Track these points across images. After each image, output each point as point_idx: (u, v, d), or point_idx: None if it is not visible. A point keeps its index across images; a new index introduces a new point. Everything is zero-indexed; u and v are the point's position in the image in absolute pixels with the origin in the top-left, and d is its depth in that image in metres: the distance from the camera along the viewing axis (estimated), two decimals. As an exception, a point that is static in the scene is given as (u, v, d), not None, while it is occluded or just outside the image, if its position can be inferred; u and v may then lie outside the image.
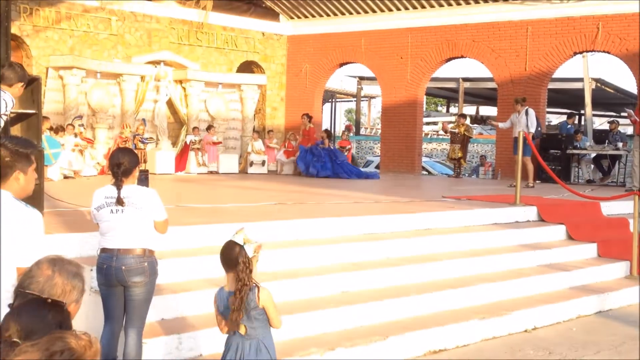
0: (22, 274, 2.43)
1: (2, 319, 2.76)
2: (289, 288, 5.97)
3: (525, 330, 6.70)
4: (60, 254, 2.53)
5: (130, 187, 4.42)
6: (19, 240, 2.92)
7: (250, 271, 3.59)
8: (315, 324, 5.65)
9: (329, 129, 17.48)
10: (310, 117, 17.25)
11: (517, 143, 10.10)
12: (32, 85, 6.51)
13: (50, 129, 13.50)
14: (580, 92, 23.16)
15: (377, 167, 20.55)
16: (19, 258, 2.90)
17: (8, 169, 3.03)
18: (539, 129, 13.43)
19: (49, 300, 2.10)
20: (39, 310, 2.04)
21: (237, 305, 3.56)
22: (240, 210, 8.17)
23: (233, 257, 3.59)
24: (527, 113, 12.99)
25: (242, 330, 3.68)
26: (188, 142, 16.55)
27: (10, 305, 2.40)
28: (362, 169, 19.07)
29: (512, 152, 13.23)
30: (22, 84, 5.50)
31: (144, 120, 16.14)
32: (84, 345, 1.82)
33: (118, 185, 4.38)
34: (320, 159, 16.12)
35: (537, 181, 14.70)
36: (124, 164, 4.40)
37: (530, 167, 13.22)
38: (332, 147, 16.66)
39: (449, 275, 7.20)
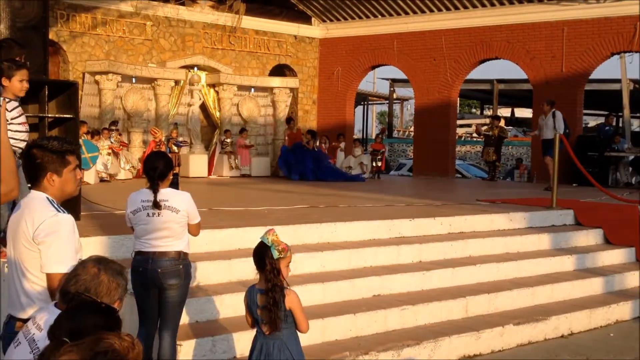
0: (67, 273, 2.47)
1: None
2: (321, 291, 5.97)
3: (562, 336, 6.59)
4: (102, 255, 2.58)
5: (166, 191, 4.46)
6: (44, 246, 2.86)
7: (278, 272, 3.65)
8: (348, 328, 5.64)
9: (314, 130, 17.19)
10: (292, 119, 17.28)
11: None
12: (69, 91, 6.62)
13: (87, 132, 13.73)
14: (618, 93, 22.73)
15: (410, 169, 20.45)
16: (45, 263, 2.86)
17: (40, 171, 2.97)
18: (567, 131, 13.14)
19: (103, 305, 2.13)
20: (92, 314, 2.07)
21: (270, 304, 3.65)
22: (272, 213, 8.19)
23: (261, 258, 3.71)
24: (554, 115, 12.81)
25: (266, 331, 3.73)
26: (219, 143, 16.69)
27: (56, 305, 2.44)
28: (394, 172, 18.89)
29: (545, 154, 13.06)
30: (20, 77, 5.24)
31: (176, 124, 16.31)
32: (127, 347, 1.83)
33: (154, 188, 4.42)
34: (301, 162, 15.75)
35: (574, 184, 14.48)
36: (159, 167, 4.44)
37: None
38: (316, 149, 16.30)
39: (484, 280, 7.12)
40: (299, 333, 3.84)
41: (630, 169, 15.85)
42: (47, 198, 2.96)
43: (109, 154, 14.08)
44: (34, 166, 2.97)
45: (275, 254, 3.65)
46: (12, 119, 5.07)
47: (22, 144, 5.06)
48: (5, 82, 5.26)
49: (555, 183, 9.67)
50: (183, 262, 4.49)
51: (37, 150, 2.95)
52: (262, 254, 3.71)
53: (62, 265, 2.81)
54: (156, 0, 16.60)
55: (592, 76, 16.64)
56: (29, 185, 3.07)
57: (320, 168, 15.76)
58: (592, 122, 33.61)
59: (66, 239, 2.88)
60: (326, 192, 11.92)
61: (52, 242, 2.85)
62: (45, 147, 2.95)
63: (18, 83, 5.26)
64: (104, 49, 15.88)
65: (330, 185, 14.14)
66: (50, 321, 2.26)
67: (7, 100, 5.20)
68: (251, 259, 3.81)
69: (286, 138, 16.90)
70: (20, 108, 5.40)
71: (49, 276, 2.86)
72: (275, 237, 3.69)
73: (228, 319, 5.33)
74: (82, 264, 2.46)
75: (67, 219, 2.93)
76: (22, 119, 5.39)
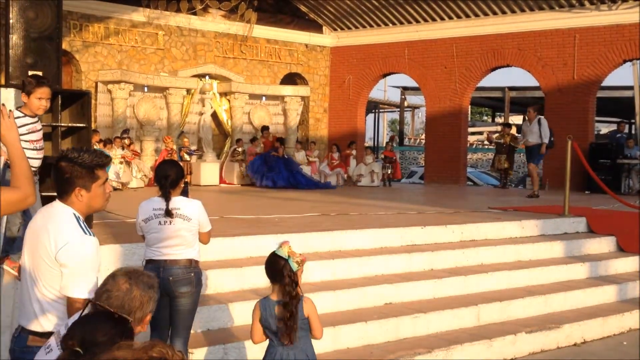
0: (99, 286, 2.41)
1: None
2: (332, 299, 5.97)
3: (575, 344, 6.55)
4: (134, 266, 2.53)
5: (178, 199, 4.48)
6: (67, 270, 2.79)
7: (297, 284, 3.64)
8: (360, 336, 5.63)
9: (282, 137, 17.00)
10: (267, 128, 17.00)
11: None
12: (82, 100, 6.68)
13: (100, 141, 13.82)
14: (630, 100, 22.62)
15: (421, 177, 20.42)
16: (65, 286, 2.79)
17: (67, 186, 2.85)
18: (552, 139, 12.97)
19: (117, 316, 2.13)
20: (105, 323, 2.07)
21: (287, 317, 3.63)
22: (283, 221, 8.20)
23: (278, 270, 3.66)
24: (539, 122, 12.68)
25: (286, 341, 3.71)
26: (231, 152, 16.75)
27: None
28: (405, 179, 18.80)
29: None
30: (38, 94, 5.10)
31: (182, 132, 16.40)
32: None
33: (166, 197, 4.43)
34: (274, 169, 15.60)
35: (587, 191, 14.41)
36: (171, 175, 4.46)
37: (536, 175, 13.15)
38: (286, 157, 16.17)
39: (496, 288, 7.09)
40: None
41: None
42: (74, 214, 2.86)
43: (121, 162, 14.17)
44: (62, 180, 2.86)
45: (295, 267, 3.63)
46: (20, 135, 4.96)
47: (32, 162, 4.89)
48: (24, 98, 5.17)
49: (567, 190, 9.63)
50: (194, 270, 4.50)
51: (66, 163, 2.83)
52: (278, 267, 3.66)
53: (84, 291, 2.76)
54: (168, 10, 16.73)
55: (604, 83, 16.57)
56: (54, 193, 2.98)
57: (293, 175, 15.65)
58: (604, 129, 33.44)
59: (89, 264, 2.81)
60: (337, 200, 11.92)
61: (75, 268, 2.76)
62: (74, 160, 2.83)
63: (36, 101, 5.15)
64: (116, 58, 16.00)
65: (341, 193, 14.14)
66: None
67: (21, 114, 5.16)
68: (263, 267, 3.80)
69: (262, 146, 16.71)
70: (34, 126, 5.25)
71: (68, 299, 2.81)
72: (290, 249, 3.67)
73: (240, 326, 5.34)
74: (112, 278, 2.36)
75: (92, 242, 2.84)
76: (33, 136, 5.23)
